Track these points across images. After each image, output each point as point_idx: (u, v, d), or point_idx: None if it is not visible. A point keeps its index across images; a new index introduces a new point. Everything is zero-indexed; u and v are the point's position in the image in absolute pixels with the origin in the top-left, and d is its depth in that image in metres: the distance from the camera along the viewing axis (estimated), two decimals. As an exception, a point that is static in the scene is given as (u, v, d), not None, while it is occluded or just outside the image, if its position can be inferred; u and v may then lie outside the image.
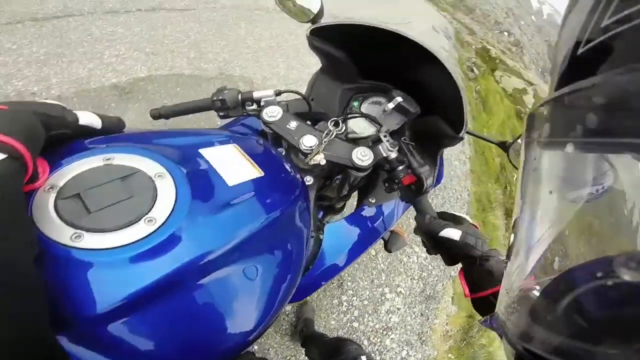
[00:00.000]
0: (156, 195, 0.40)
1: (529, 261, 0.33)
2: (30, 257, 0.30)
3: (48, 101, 0.43)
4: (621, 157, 0.22)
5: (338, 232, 0.83)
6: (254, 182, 0.51)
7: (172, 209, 0.39)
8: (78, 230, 0.35)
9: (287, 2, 0.97)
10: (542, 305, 0.31)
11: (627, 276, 0.23)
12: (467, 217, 0.70)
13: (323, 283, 0.80)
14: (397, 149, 0.73)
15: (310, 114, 0.87)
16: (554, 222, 0.31)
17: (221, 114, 0.78)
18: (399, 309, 2.13)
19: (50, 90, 2.08)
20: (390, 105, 0.83)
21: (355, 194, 1.07)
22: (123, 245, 0.35)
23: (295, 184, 0.64)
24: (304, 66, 3.16)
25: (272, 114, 0.72)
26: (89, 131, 0.47)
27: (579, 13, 0.26)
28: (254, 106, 0.77)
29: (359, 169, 0.68)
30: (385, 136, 0.74)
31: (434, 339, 2.20)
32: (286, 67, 3.07)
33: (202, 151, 0.50)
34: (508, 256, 0.35)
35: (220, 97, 0.75)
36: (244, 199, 0.47)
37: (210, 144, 0.53)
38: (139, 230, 0.37)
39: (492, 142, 0.91)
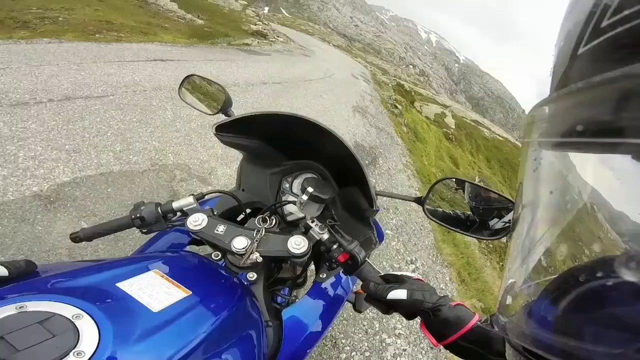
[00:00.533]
0: (79, 332, 0.41)
1: (529, 262, 0.33)
2: None
3: None
4: (621, 157, 0.22)
5: (303, 309, 0.85)
6: (182, 302, 0.53)
7: (98, 342, 0.41)
8: None
9: (190, 94, 1.03)
10: (543, 305, 0.31)
11: (627, 276, 0.23)
12: (410, 273, 0.74)
13: (308, 351, 0.82)
14: (326, 230, 0.76)
15: (242, 206, 0.90)
16: (554, 223, 0.31)
17: (144, 230, 0.77)
18: (405, 349, 2.14)
19: None
20: (304, 197, 0.84)
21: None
22: None
23: (234, 286, 0.67)
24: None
25: (197, 222, 0.71)
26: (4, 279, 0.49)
27: (579, 13, 0.26)
28: (178, 216, 0.77)
29: (297, 256, 0.71)
30: (312, 221, 0.76)
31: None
32: (223, 146, 3.10)
33: (119, 285, 0.52)
34: (508, 257, 0.36)
35: (139, 215, 0.74)
36: (173, 320, 0.50)
37: (128, 276, 0.55)
38: None
39: (408, 200, 0.93)
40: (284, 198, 0.97)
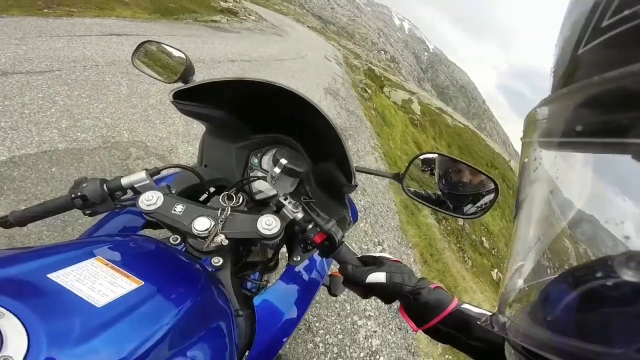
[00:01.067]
0: (1, 335, 0.35)
1: (529, 262, 0.33)
2: None
3: None
4: (621, 157, 0.22)
5: (276, 295, 0.80)
6: (133, 294, 0.47)
7: (28, 346, 0.35)
8: None
9: (146, 60, 0.93)
10: (543, 305, 0.31)
11: (627, 276, 0.23)
12: (388, 255, 0.71)
13: (285, 339, 0.78)
14: (301, 208, 0.71)
15: (205, 184, 0.82)
16: (554, 223, 0.31)
17: (87, 211, 0.68)
18: (375, 331, 2.19)
19: None
20: (277, 170, 0.79)
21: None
22: None
23: (196, 274, 0.60)
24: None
25: (150, 201, 0.64)
26: None
27: (579, 13, 0.26)
28: (129, 195, 0.71)
29: (268, 238, 0.65)
30: (285, 199, 0.71)
31: (422, 347, 2.32)
32: (185, 122, 2.96)
33: (51, 275, 0.45)
34: (508, 257, 0.36)
35: (79, 193, 0.65)
36: (123, 316, 0.43)
37: (63, 265, 0.47)
38: None
39: (387, 176, 0.90)
40: (252, 174, 0.89)
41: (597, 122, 0.23)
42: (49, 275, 0.44)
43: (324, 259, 0.95)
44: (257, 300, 0.75)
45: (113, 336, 0.41)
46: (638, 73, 0.20)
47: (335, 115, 6.21)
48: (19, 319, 0.37)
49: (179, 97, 0.73)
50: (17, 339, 0.35)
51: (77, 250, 0.53)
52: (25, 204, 1.81)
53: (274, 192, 0.86)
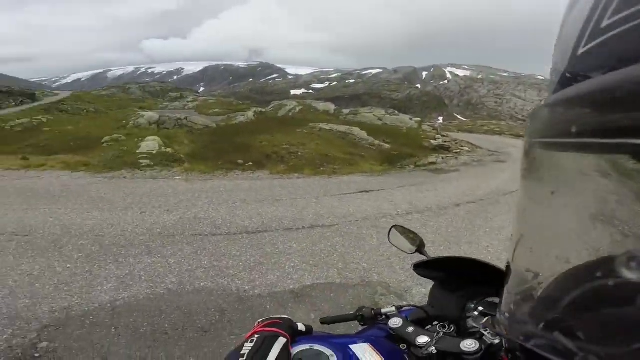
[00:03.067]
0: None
1: (531, 262, 0.34)
2: None
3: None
4: (621, 157, 0.22)
5: None
6: None
7: None
8: None
9: (396, 240, 1.39)
10: (543, 305, 0.31)
11: (628, 276, 0.23)
12: None
13: None
14: (498, 337, 0.87)
15: (430, 319, 1.10)
16: (555, 224, 0.31)
17: (361, 323, 1.07)
18: None
19: (254, 290, 3.15)
20: (476, 313, 0.99)
21: None
22: None
23: None
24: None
25: (395, 323, 0.95)
26: (300, 333, 0.82)
27: (579, 14, 0.27)
28: (383, 318, 1.03)
29: (467, 354, 0.80)
30: (486, 329, 0.88)
31: None
32: None
33: (351, 346, 0.78)
34: (509, 257, 0.36)
35: (361, 313, 1.05)
36: None
37: (356, 342, 0.81)
38: None
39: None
40: (468, 314, 1.14)
41: (598, 122, 0.23)
42: (350, 346, 0.78)
43: None
44: None
45: None
46: (638, 74, 0.20)
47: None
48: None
49: (417, 267, 1.09)
50: None
51: (361, 339, 0.93)
52: (313, 313, 2.87)
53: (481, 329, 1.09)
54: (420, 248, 1.26)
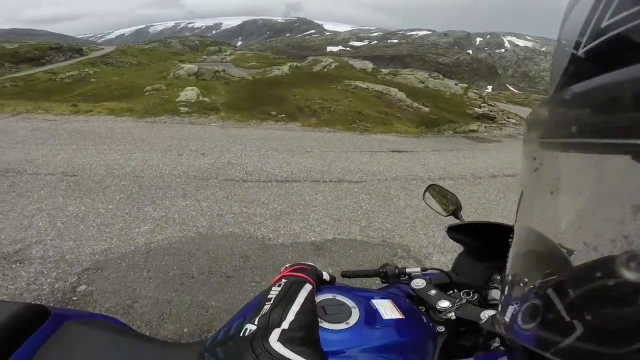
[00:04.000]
0: (350, 313, 0.72)
1: (531, 262, 0.34)
2: None
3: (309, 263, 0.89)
4: (621, 157, 0.22)
5: None
6: (397, 320, 0.77)
7: (357, 320, 0.71)
8: (319, 319, 0.71)
9: (431, 198, 1.33)
10: (543, 305, 0.31)
11: (628, 276, 0.23)
12: None
13: None
14: None
15: (452, 284, 1.08)
16: (555, 223, 0.31)
17: (383, 280, 1.06)
18: None
19: (278, 239, 3.23)
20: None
21: None
22: (338, 330, 0.68)
23: (426, 328, 0.84)
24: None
25: (418, 284, 0.94)
26: (324, 282, 0.87)
27: (579, 14, 0.27)
28: (406, 277, 1.02)
29: (486, 324, 0.83)
30: None
31: None
32: (443, 236, 3.49)
33: (372, 300, 0.81)
34: (510, 258, 0.36)
35: (384, 270, 1.04)
36: (390, 325, 0.75)
37: (377, 297, 0.84)
38: (343, 326, 0.69)
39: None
40: (492, 285, 1.12)
41: (597, 122, 0.23)
42: (371, 300, 0.82)
43: None
44: None
45: (383, 331, 0.74)
46: (638, 74, 0.20)
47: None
48: (358, 310, 0.74)
49: (451, 230, 1.07)
50: (355, 316, 0.72)
51: (384, 294, 0.91)
52: (331, 267, 2.89)
53: None
54: (456, 211, 1.19)
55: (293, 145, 6.72)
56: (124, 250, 2.89)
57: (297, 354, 0.60)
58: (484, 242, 1.08)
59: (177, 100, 10.34)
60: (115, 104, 10.15)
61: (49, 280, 2.46)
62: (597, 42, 0.25)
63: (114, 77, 16.17)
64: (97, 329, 0.89)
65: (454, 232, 1.09)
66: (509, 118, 14.11)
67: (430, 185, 1.37)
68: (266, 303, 0.74)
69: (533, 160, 0.32)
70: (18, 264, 2.58)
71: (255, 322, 0.69)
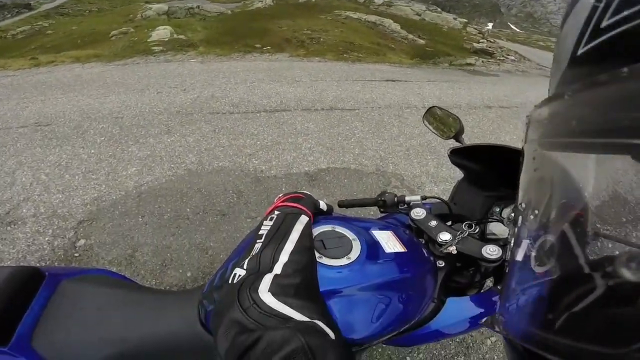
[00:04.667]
0: (351, 247, 0.69)
1: (530, 262, 0.34)
2: None
3: (305, 192, 0.84)
4: (620, 157, 0.22)
5: (460, 306, 0.88)
6: (398, 253, 0.75)
7: (358, 255, 0.68)
8: (318, 254, 0.67)
9: (431, 120, 1.25)
10: (543, 305, 0.31)
11: (628, 276, 0.23)
12: None
13: (437, 340, 0.92)
14: None
15: (451, 215, 1.00)
16: (555, 223, 0.31)
17: (381, 209, 1.02)
18: None
19: (270, 170, 3.14)
20: (503, 216, 0.94)
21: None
22: (339, 266, 0.66)
23: (427, 262, 0.82)
24: (454, 166, 3.57)
25: (418, 214, 0.90)
26: (321, 212, 0.84)
27: (579, 14, 0.26)
28: (405, 207, 0.98)
29: (487, 261, 0.77)
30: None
31: None
32: (435, 165, 3.51)
33: (372, 231, 0.78)
34: (509, 258, 0.36)
35: (382, 199, 1.00)
36: (392, 259, 0.72)
37: (377, 228, 0.81)
38: (344, 261, 0.67)
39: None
40: (490, 218, 1.07)
41: (598, 122, 0.23)
42: (371, 230, 0.79)
43: None
44: (449, 301, 0.88)
45: (385, 266, 0.71)
46: (638, 73, 0.20)
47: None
48: (359, 243, 0.72)
49: (453, 153, 0.99)
50: (356, 251, 0.69)
51: (383, 224, 0.87)
52: (325, 197, 2.82)
53: (504, 236, 0.95)
54: (457, 135, 1.12)
55: (281, 76, 6.31)
56: (114, 197, 2.78)
57: (291, 307, 0.52)
58: (487, 167, 1.01)
59: (149, 40, 9.55)
60: (79, 52, 9.32)
61: (47, 238, 2.37)
62: (597, 41, 0.24)
63: (73, 27, 14.96)
64: (96, 285, 0.86)
65: (455, 155, 1.02)
66: (508, 55, 13.74)
67: (431, 107, 1.26)
68: (257, 241, 0.66)
69: (533, 160, 0.32)
70: (13, 226, 2.46)
71: (245, 266, 0.61)
